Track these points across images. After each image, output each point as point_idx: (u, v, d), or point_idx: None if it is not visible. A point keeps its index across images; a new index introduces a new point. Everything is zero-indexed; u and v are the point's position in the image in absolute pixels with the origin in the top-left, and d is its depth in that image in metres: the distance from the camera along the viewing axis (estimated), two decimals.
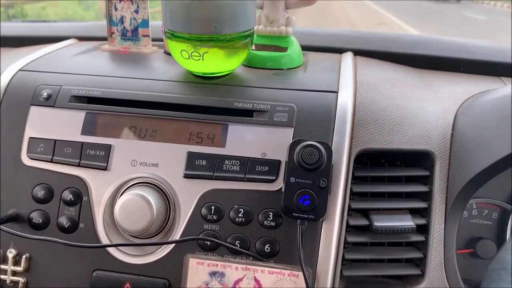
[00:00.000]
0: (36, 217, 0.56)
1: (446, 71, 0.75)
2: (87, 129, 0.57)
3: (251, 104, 0.56)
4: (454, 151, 0.57)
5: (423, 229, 0.56)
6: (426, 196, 0.57)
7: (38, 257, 0.56)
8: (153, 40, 0.74)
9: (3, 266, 0.56)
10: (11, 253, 0.56)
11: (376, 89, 0.60)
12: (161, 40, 0.74)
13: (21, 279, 0.55)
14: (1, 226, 0.53)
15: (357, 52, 0.76)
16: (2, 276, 0.56)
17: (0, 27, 0.95)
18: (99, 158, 0.56)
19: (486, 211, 0.62)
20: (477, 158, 0.55)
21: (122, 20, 0.73)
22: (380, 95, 0.59)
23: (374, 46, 0.78)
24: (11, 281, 0.56)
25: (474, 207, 0.62)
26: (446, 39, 0.80)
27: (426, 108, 0.60)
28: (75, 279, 0.55)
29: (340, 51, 0.76)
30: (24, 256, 0.55)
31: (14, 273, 0.56)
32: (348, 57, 0.71)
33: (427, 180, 0.57)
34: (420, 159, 0.58)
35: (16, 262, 0.56)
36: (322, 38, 0.80)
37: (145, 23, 0.73)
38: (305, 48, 0.73)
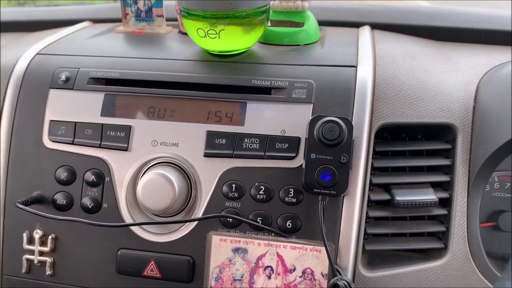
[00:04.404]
0: (60, 199, 0.57)
1: (467, 43, 0.73)
2: (106, 111, 0.58)
3: (269, 82, 0.56)
4: (476, 123, 0.56)
5: (445, 203, 0.56)
6: (448, 170, 0.56)
7: (63, 238, 0.57)
8: (167, 20, 0.74)
9: (30, 247, 0.57)
10: (37, 234, 0.57)
11: (395, 62, 0.59)
12: (175, 19, 0.73)
13: (48, 259, 0.57)
14: (27, 208, 0.54)
15: (375, 26, 0.75)
16: (30, 256, 0.57)
17: (14, 12, 0.95)
18: (120, 139, 0.56)
19: (508, 184, 0.61)
20: (500, 130, 0.54)
21: (135, 1, 0.73)
22: (400, 68, 0.58)
23: (392, 19, 0.77)
24: (39, 261, 0.57)
25: (496, 180, 0.61)
26: (465, 10, 0.78)
27: (447, 81, 0.59)
28: (100, 258, 0.56)
29: (357, 25, 0.75)
30: (50, 237, 0.57)
31: (41, 253, 0.57)
32: (365, 31, 0.70)
33: (449, 153, 0.57)
34: (441, 132, 0.57)
35: (43, 243, 0.57)
36: (338, 13, 0.79)
37: (159, 3, 0.72)
38: (321, 23, 0.71)
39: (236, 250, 0.53)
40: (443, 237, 0.55)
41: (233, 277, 0.52)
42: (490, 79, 0.59)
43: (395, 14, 0.78)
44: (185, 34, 0.69)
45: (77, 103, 0.59)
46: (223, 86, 0.56)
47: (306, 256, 0.51)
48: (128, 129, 0.56)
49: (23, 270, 0.57)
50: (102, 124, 0.57)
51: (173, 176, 0.53)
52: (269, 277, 0.52)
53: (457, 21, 0.75)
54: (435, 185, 0.56)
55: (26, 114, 0.59)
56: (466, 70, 0.61)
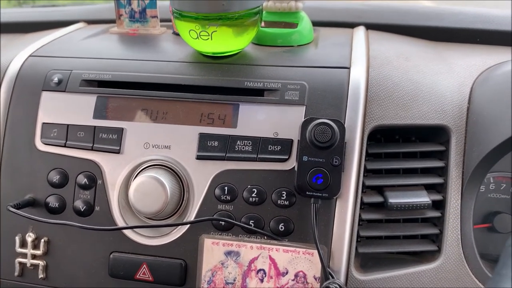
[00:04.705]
0: (53, 202, 0.56)
1: (462, 43, 0.73)
2: (98, 113, 0.57)
3: (262, 83, 0.55)
4: (470, 125, 0.56)
5: (439, 205, 0.55)
6: (442, 172, 0.56)
7: (56, 241, 0.57)
8: (161, 20, 0.74)
9: (23, 250, 0.57)
10: (30, 237, 0.57)
11: (389, 63, 0.59)
12: (170, 20, 0.73)
13: (40, 262, 0.57)
14: (19, 211, 0.54)
15: (369, 26, 0.74)
16: (23, 260, 0.57)
17: (11, 13, 0.95)
18: (112, 141, 0.56)
19: (504, 185, 0.61)
20: (494, 132, 0.54)
21: (129, 2, 0.72)
22: (394, 69, 0.58)
23: (387, 19, 0.76)
24: (31, 264, 0.57)
25: (492, 181, 0.61)
26: (461, 9, 0.78)
27: (441, 82, 0.58)
28: (93, 261, 0.56)
29: (351, 25, 0.75)
30: (42, 240, 0.56)
31: (34, 257, 0.57)
32: (360, 32, 0.69)
33: (443, 155, 0.56)
34: (435, 134, 0.57)
35: (35, 246, 0.57)
36: (333, 13, 0.78)
37: (152, 4, 0.72)
38: (315, 23, 0.71)
39: (228, 253, 0.52)
40: (437, 239, 0.55)
41: (225, 281, 0.52)
42: (484, 80, 0.59)
43: (390, 14, 0.77)
44: (179, 35, 0.69)
45: (70, 105, 0.58)
46: (215, 88, 0.56)
47: (299, 259, 0.51)
48: (120, 131, 0.56)
49: (16, 274, 0.57)
50: (94, 127, 0.57)
51: (165, 179, 0.53)
52: (262, 281, 0.52)
53: (452, 21, 0.75)
54: (429, 187, 0.56)
55: (19, 117, 0.59)
56: (461, 71, 0.61)
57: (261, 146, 0.53)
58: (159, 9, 0.73)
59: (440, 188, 0.56)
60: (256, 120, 0.54)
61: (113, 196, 0.55)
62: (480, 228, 0.60)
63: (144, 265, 0.54)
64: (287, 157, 0.53)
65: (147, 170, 0.54)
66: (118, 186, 0.55)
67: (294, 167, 0.52)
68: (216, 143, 0.54)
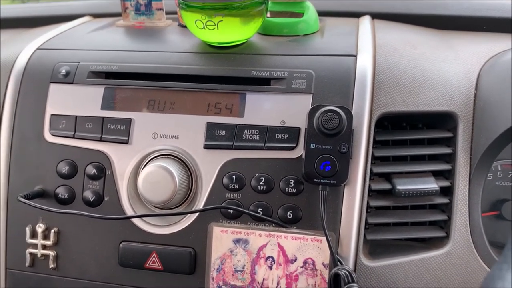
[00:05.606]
0: (62, 192, 0.57)
1: (468, 31, 0.72)
2: (106, 104, 0.58)
3: (268, 72, 0.55)
4: (478, 111, 0.55)
5: (447, 191, 0.55)
6: (450, 158, 0.56)
7: (66, 231, 0.57)
8: (167, 13, 0.74)
9: (33, 241, 0.57)
10: (40, 228, 0.57)
11: (395, 51, 0.59)
12: (175, 13, 0.73)
13: (51, 253, 0.57)
14: (29, 202, 0.55)
15: (375, 16, 0.74)
16: (33, 250, 0.57)
17: (15, 8, 0.95)
18: (120, 132, 0.56)
19: (511, 172, 0.61)
20: (501, 118, 0.54)
21: None
22: (400, 57, 0.58)
23: (393, 8, 0.76)
24: (42, 255, 0.57)
25: (499, 169, 0.61)
26: None
27: (448, 69, 0.58)
28: (103, 251, 0.56)
29: (357, 15, 0.74)
30: (52, 230, 0.57)
31: (44, 247, 0.57)
32: (366, 21, 0.69)
33: (450, 141, 0.56)
34: (442, 121, 0.57)
35: (46, 237, 0.57)
36: (338, 3, 0.78)
37: None
38: (321, 13, 0.71)
39: (237, 241, 0.53)
40: (445, 226, 0.55)
41: (234, 268, 0.53)
42: (491, 66, 0.59)
43: (396, 3, 0.77)
44: (185, 27, 0.69)
45: (78, 97, 0.59)
46: (222, 78, 0.56)
47: (307, 246, 0.51)
48: (128, 122, 0.57)
49: (27, 264, 0.58)
50: (103, 118, 0.57)
51: (174, 168, 0.53)
52: (271, 268, 0.52)
53: (459, 9, 0.74)
54: (436, 174, 0.56)
55: (27, 109, 0.60)
56: (468, 58, 0.61)
57: (269, 134, 0.54)
58: (165, 1, 0.73)
59: (448, 175, 0.56)
60: (263, 109, 0.55)
61: (122, 186, 0.56)
62: (488, 216, 0.60)
63: (154, 254, 0.54)
64: (294, 145, 0.53)
65: (156, 160, 0.55)
66: (127, 176, 0.56)
67: (301, 154, 0.52)
68: (223, 132, 0.54)
